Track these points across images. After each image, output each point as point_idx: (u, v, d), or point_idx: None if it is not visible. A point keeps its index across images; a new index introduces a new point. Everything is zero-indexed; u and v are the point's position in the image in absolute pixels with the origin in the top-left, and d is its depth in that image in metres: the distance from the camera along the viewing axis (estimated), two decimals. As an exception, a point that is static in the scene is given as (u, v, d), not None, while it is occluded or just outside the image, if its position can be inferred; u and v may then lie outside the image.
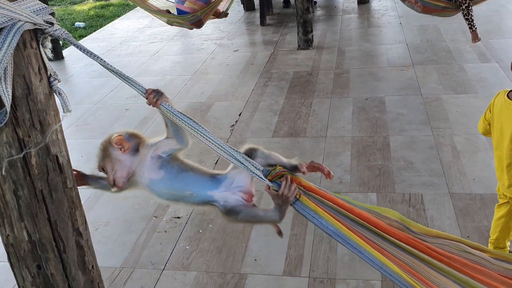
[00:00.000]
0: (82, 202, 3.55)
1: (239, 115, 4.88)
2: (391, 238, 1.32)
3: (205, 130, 1.24)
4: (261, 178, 1.24)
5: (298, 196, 1.26)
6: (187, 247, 3.11)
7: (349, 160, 3.88)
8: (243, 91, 5.43)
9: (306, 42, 6.49)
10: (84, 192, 3.77)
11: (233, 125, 4.69)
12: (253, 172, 1.22)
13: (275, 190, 1.26)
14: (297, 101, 5.05)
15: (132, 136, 1.26)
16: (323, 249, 2.95)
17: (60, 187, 1.03)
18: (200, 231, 3.24)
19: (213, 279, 2.83)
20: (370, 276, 2.66)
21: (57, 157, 1.01)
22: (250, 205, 1.37)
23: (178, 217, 3.40)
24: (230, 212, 1.36)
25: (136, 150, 1.23)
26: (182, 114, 1.20)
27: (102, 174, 1.35)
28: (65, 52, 7.25)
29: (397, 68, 5.60)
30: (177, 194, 1.27)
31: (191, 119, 1.21)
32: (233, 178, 1.32)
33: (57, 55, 6.95)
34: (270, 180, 1.27)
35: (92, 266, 1.14)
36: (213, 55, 6.72)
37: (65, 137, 1.08)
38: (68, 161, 1.06)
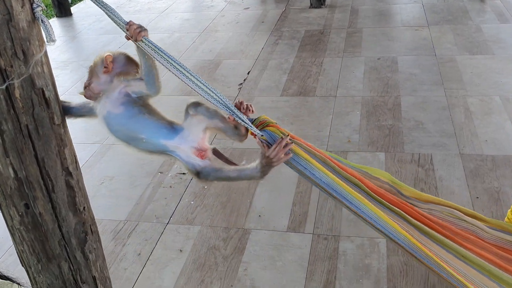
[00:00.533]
0: (88, 158, 3.54)
1: (248, 73, 4.78)
2: (381, 199, 1.26)
3: (186, 67, 1.17)
4: (250, 125, 1.17)
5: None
6: (192, 202, 3.10)
7: (359, 120, 3.80)
8: (253, 50, 5.31)
9: (318, 1, 6.30)
10: (90, 148, 3.78)
11: (241, 83, 4.61)
12: (241, 119, 1.15)
13: (267, 141, 1.18)
14: (308, 60, 4.93)
15: (126, 63, 1.19)
16: (328, 207, 2.91)
17: (47, 123, 0.98)
18: (205, 187, 3.22)
19: (216, 233, 2.82)
20: (375, 234, 2.63)
21: (43, 90, 0.96)
22: (208, 162, 1.30)
23: (183, 173, 3.38)
24: (199, 174, 1.32)
25: (114, 78, 1.17)
26: (163, 50, 1.14)
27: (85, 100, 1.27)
28: (73, 9, 7.15)
29: (411, 28, 5.43)
30: (129, 135, 1.20)
31: (172, 57, 1.14)
32: (189, 131, 1.25)
33: (65, 12, 6.85)
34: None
35: (84, 207, 1.10)
36: (223, 12, 6.56)
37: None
38: (56, 96, 1.01)
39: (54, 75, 1.05)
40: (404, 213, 1.25)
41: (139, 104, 1.18)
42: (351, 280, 2.44)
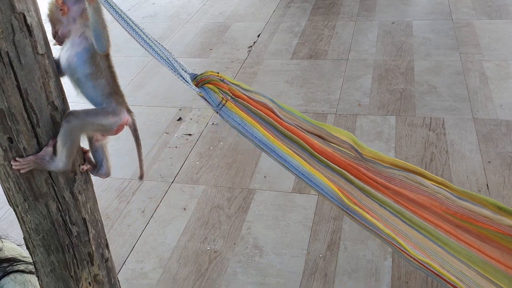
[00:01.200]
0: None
1: (258, 36, 4.68)
2: (322, 157, 1.19)
3: (128, 16, 1.11)
4: (188, 83, 1.09)
5: (224, 102, 1.12)
6: (197, 162, 3.07)
7: (370, 83, 3.70)
8: (264, 12, 5.19)
9: (333, -37, 6.09)
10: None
11: (251, 46, 4.51)
12: (181, 76, 1.08)
13: (204, 98, 1.11)
14: (320, 23, 4.80)
15: (77, 2, 1.11)
16: (335, 169, 2.86)
17: (30, 52, 0.93)
18: (211, 148, 3.18)
19: (221, 192, 2.80)
20: (381, 196, 2.58)
21: (24, 16, 0.90)
22: None
23: (190, 134, 3.34)
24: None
25: (77, 17, 1.08)
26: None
27: None
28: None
29: (429, -8, 5.24)
30: (73, 81, 1.11)
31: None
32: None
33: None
34: (196, 86, 1.12)
35: (72, 145, 1.07)
36: (234, -25, 6.40)
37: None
38: (39, 23, 0.96)
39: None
40: (347, 173, 1.19)
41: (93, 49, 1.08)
42: (355, 241, 2.40)
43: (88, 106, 1.13)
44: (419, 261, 1.07)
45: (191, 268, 2.34)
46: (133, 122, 1.26)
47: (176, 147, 3.23)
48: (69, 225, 1.12)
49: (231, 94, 1.14)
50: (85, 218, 1.14)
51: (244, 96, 1.17)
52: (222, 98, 1.11)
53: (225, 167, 3.00)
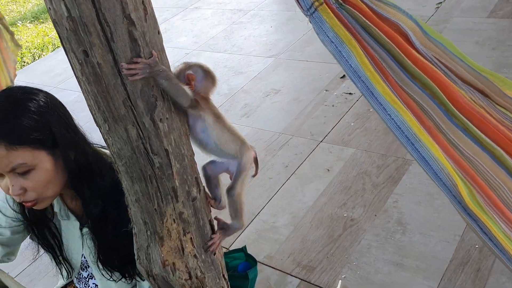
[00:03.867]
0: (260, 70, 3.50)
1: (451, -9, 4.08)
2: (474, 127, 0.78)
3: None
4: None
5: (317, 5, 0.79)
6: (352, 123, 2.83)
7: None
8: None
9: None
10: (264, 61, 3.74)
11: (441, 2, 3.96)
12: None
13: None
14: (533, -24, 3.96)
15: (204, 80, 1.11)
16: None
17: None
18: (371, 110, 2.90)
19: (372, 158, 2.53)
20: None
21: None
22: None
23: (350, 93, 3.10)
24: None
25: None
26: None
27: None
28: None
29: None
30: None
31: None
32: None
33: None
34: None
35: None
36: None
37: None
38: None
39: None
40: (506, 156, 0.79)
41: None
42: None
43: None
44: None
45: (323, 232, 2.17)
46: (255, 153, 1.22)
47: (333, 105, 3.03)
48: (151, 154, 1.06)
49: None
50: (167, 149, 1.06)
51: (363, 6, 0.82)
52: None
53: (383, 132, 2.70)
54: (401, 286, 1.85)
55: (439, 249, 1.97)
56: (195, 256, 1.23)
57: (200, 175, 1.22)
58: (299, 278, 1.97)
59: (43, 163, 1.24)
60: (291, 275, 1.99)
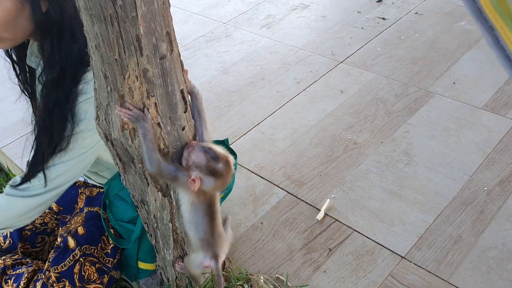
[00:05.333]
0: None
1: None
2: None
3: None
4: None
5: None
6: (379, 49, 2.60)
7: None
8: None
9: None
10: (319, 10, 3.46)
11: None
12: None
13: None
14: None
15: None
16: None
17: None
18: (402, 37, 2.65)
19: (391, 86, 2.32)
20: None
21: None
22: None
23: (384, 18, 2.84)
24: None
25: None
26: None
27: None
28: None
29: None
30: None
31: None
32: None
33: None
34: None
35: None
36: None
37: None
38: None
39: None
40: None
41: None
42: (544, 187, 1.74)
43: None
44: None
45: (321, 151, 2.02)
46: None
47: (362, 28, 2.78)
48: None
49: None
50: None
51: None
52: None
53: (409, 61, 2.47)
54: (392, 215, 1.71)
55: (443, 186, 1.80)
56: (158, 124, 1.10)
57: (175, 33, 1.06)
58: (286, 191, 1.84)
59: (4, 0, 1.10)
60: (279, 187, 1.86)
